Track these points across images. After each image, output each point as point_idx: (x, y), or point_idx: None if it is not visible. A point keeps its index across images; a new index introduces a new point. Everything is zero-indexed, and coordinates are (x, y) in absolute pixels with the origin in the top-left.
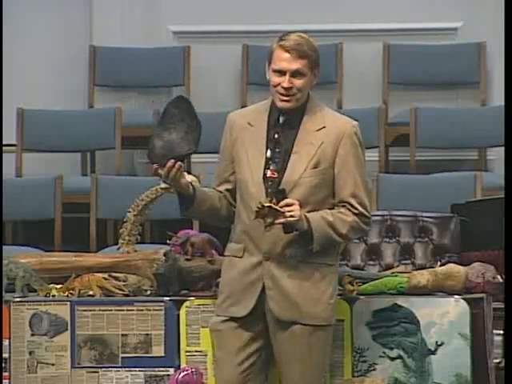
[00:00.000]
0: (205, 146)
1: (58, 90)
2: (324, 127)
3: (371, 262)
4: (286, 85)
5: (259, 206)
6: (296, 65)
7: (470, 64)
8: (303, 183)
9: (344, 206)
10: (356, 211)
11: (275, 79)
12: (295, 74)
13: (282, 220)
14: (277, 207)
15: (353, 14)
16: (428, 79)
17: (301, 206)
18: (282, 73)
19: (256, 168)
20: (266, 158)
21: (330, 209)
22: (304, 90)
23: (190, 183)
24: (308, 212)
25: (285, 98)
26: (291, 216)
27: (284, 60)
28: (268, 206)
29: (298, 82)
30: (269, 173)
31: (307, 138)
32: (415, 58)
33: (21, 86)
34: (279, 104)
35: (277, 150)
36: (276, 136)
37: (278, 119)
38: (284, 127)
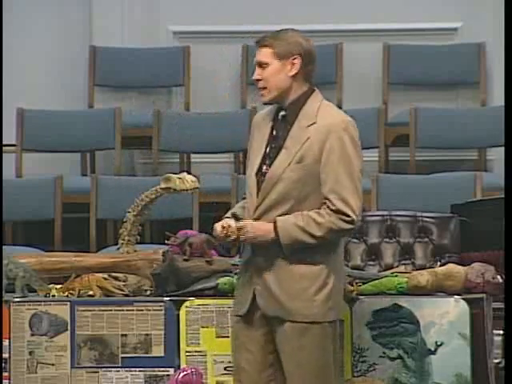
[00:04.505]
0: (205, 146)
1: (57, 90)
2: (314, 123)
3: (371, 262)
4: (254, 77)
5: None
6: (259, 55)
7: (470, 64)
8: (285, 178)
9: (325, 203)
10: (333, 207)
11: None
12: (260, 64)
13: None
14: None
15: (353, 14)
16: (428, 79)
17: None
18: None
19: (254, 164)
20: (265, 153)
21: (316, 205)
22: (271, 81)
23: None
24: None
25: (260, 93)
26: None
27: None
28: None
29: (263, 72)
30: (264, 168)
31: (298, 134)
32: (415, 58)
33: (21, 86)
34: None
35: (273, 145)
36: (274, 132)
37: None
38: (282, 123)
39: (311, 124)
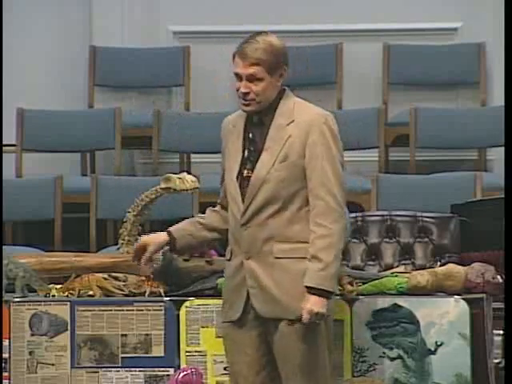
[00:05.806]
0: (205, 146)
1: (57, 90)
2: (293, 121)
3: (371, 262)
4: (243, 90)
5: None
6: (250, 70)
7: (470, 64)
8: (272, 178)
9: (312, 200)
10: (321, 202)
11: (236, 83)
12: (251, 78)
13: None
14: None
15: (353, 14)
16: (428, 79)
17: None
18: (239, 77)
19: (234, 168)
20: (243, 157)
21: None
22: (264, 94)
23: (171, 239)
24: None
25: (244, 103)
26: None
27: (238, 65)
28: None
29: (256, 87)
30: (245, 172)
31: (277, 134)
32: (415, 58)
33: (21, 86)
34: (241, 108)
35: (251, 148)
36: (250, 135)
37: (253, 119)
38: (257, 126)
39: (290, 122)
